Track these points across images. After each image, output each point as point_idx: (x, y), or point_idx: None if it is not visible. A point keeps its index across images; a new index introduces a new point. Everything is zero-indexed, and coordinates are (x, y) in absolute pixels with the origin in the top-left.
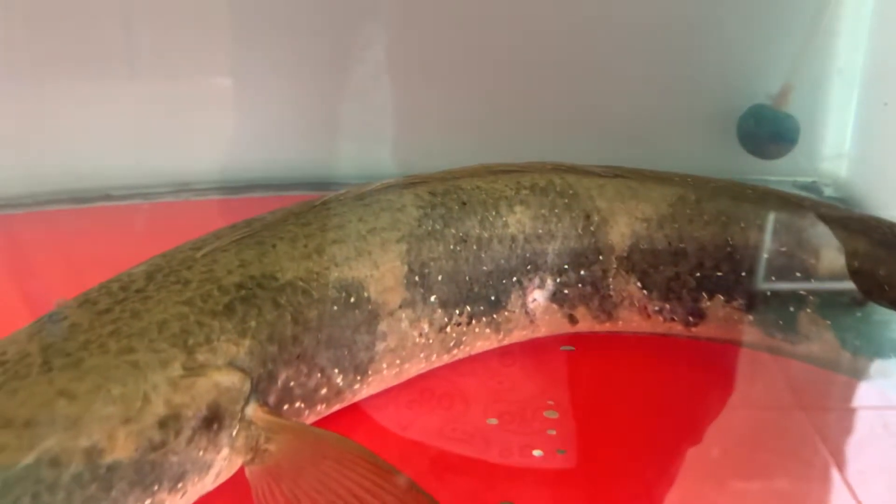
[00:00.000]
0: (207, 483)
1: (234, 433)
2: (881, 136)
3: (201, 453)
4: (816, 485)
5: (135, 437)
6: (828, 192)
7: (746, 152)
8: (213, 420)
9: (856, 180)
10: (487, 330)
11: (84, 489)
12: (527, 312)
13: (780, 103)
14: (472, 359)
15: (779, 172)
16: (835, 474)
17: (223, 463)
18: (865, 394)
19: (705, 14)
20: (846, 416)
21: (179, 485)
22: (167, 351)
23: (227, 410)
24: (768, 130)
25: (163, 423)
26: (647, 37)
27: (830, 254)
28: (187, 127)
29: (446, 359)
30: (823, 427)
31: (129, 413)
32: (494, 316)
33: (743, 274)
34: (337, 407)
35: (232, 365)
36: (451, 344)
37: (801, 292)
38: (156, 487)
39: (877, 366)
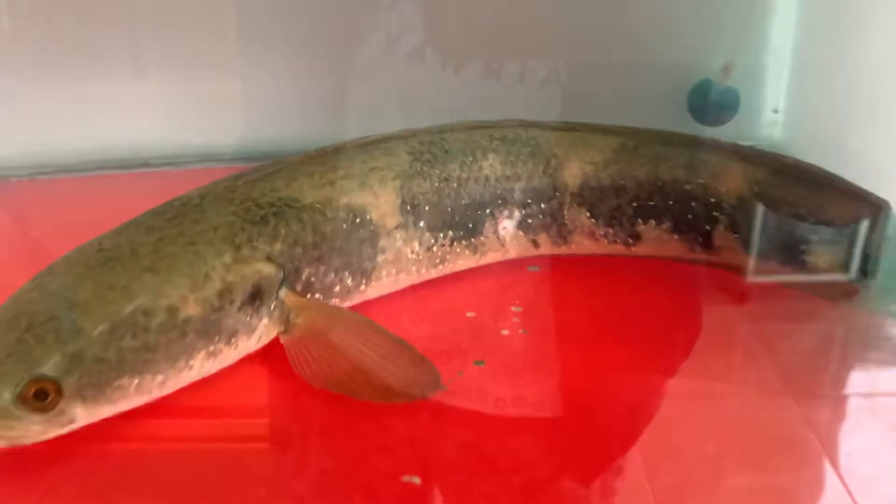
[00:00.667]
0: (252, 343)
1: (272, 308)
2: (807, 105)
3: (248, 319)
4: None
5: (201, 302)
6: None
7: (694, 120)
8: (256, 296)
9: (788, 141)
10: (467, 251)
11: (167, 334)
12: (498, 238)
13: (724, 78)
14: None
15: (724, 137)
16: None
17: (263, 329)
18: (853, 380)
19: (661, 7)
20: (835, 402)
21: (233, 340)
22: (220, 246)
23: (266, 291)
24: (714, 101)
25: (220, 294)
26: (609, 24)
27: (736, 182)
28: (214, 108)
29: (434, 273)
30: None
31: (196, 285)
32: (472, 240)
33: (670, 202)
34: (348, 304)
35: (268, 259)
36: (437, 261)
37: (715, 214)
38: (216, 339)
39: (772, 266)
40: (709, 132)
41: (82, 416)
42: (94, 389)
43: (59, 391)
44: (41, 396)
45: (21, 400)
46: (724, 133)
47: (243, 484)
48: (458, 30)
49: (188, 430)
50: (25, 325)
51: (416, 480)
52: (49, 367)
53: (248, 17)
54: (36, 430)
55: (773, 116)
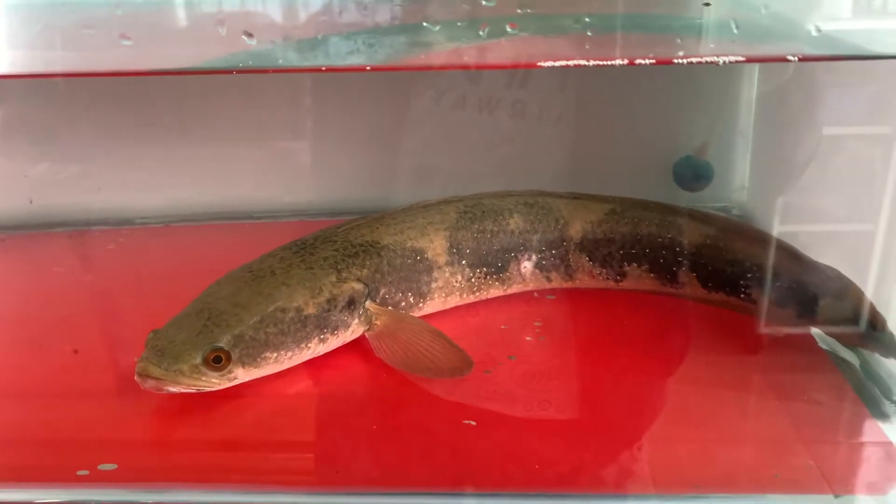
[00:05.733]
0: (348, 335)
1: (361, 313)
2: (766, 175)
3: (346, 318)
4: None
5: (316, 305)
6: (735, 212)
7: (679, 188)
8: (350, 304)
9: (752, 204)
10: (497, 283)
11: (295, 325)
12: (520, 274)
13: (701, 154)
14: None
15: (702, 201)
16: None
17: (355, 326)
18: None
19: (653, 98)
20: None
21: (335, 332)
22: (328, 270)
23: (357, 301)
24: (693, 173)
25: (328, 301)
26: (611, 113)
27: (693, 236)
28: (301, 174)
29: (472, 298)
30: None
31: (313, 294)
32: (500, 275)
33: (647, 250)
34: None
35: (359, 280)
36: (475, 289)
37: (679, 259)
38: (325, 330)
39: (721, 297)
40: (690, 197)
41: (242, 375)
42: (249, 358)
43: (228, 358)
44: (217, 361)
45: (205, 362)
46: (702, 198)
47: (341, 428)
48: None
49: (307, 391)
50: (207, 315)
51: (473, 423)
52: (223, 342)
53: (330, 104)
54: (214, 382)
55: (742, 184)
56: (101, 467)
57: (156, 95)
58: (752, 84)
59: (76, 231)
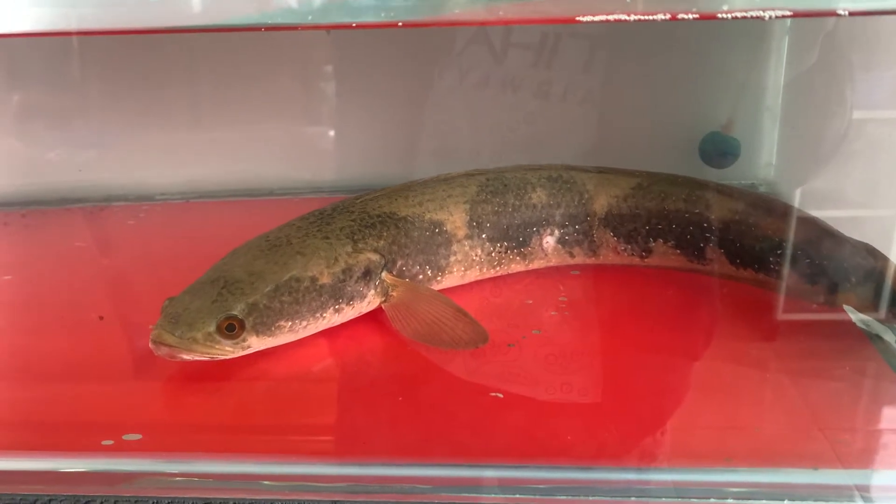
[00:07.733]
0: (364, 306)
1: (377, 284)
2: (794, 151)
3: (361, 289)
4: None
5: (331, 275)
6: (762, 188)
7: (705, 164)
8: (367, 275)
9: (779, 181)
10: (518, 258)
11: (310, 294)
12: (542, 249)
13: (727, 130)
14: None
15: (728, 178)
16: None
17: (371, 297)
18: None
19: (678, 75)
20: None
21: (351, 302)
22: (344, 240)
23: (374, 272)
24: (720, 149)
25: (344, 271)
26: (637, 90)
27: (722, 211)
28: (320, 151)
29: (492, 273)
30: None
31: (329, 264)
32: (522, 250)
33: (674, 226)
34: None
35: (375, 251)
36: (495, 264)
37: (706, 234)
38: (340, 300)
39: (749, 274)
40: (716, 174)
41: (255, 343)
42: (264, 327)
43: (242, 326)
44: (231, 329)
45: (219, 330)
46: (728, 175)
47: (362, 400)
48: (510, 96)
49: (325, 361)
50: (222, 284)
51: (500, 395)
52: (237, 311)
53: (347, 84)
54: (227, 350)
55: (769, 161)
56: (125, 437)
57: (174, 75)
58: (780, 59)
59: (97, 207)
